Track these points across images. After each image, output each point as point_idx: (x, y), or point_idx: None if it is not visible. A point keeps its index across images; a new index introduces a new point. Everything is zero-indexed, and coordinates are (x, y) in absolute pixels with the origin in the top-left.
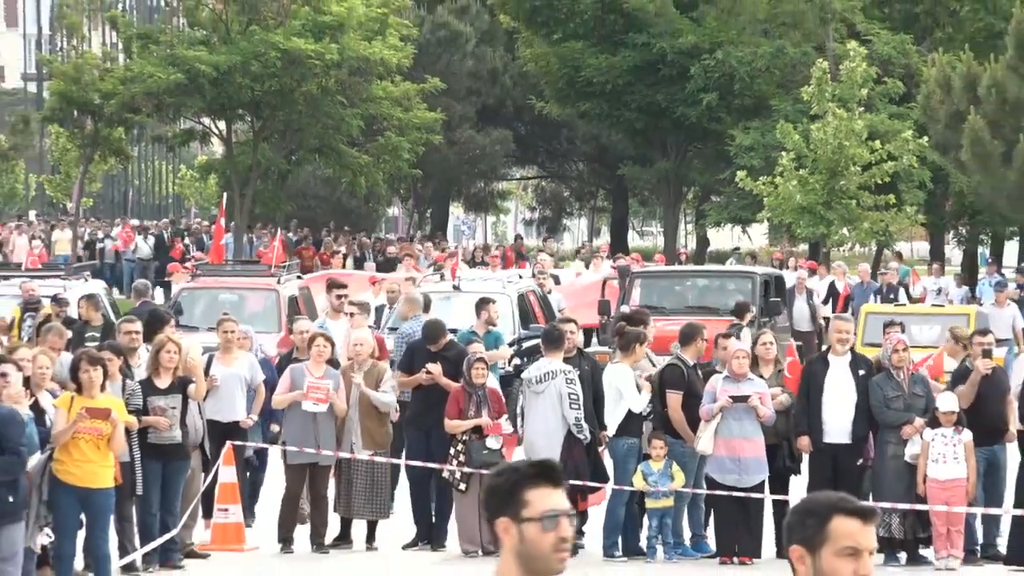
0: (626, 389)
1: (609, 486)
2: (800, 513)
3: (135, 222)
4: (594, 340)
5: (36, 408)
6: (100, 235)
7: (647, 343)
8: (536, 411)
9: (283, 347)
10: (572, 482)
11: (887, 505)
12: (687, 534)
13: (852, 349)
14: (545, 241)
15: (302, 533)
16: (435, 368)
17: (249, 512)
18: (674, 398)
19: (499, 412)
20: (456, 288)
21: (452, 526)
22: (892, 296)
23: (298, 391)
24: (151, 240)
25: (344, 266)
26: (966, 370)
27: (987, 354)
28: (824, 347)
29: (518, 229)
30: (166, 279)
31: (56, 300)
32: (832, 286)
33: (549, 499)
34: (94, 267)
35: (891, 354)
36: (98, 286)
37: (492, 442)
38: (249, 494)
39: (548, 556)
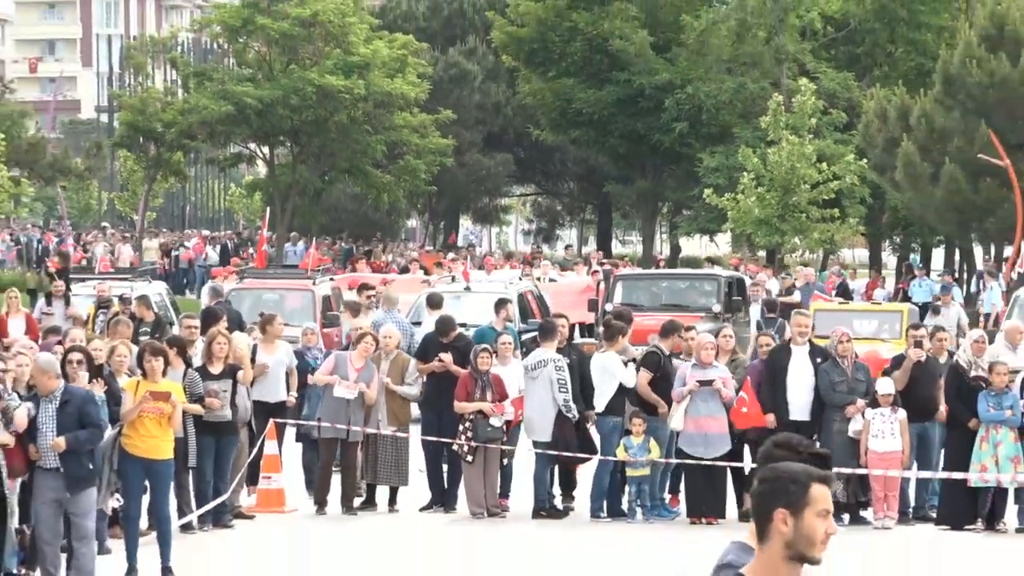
0: (617, 370)
1: (596, 457)
2: (781, 479)
3: (206, 232)
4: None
5: (110, 391)
6: (176, 245)
7: (628, 335)
8: (532, 394)
9: (311, 341)
10: (562, 453)
11: (833, 471)
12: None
13: (810, 340)
14: (538, 249)
15: (334, 497)
16: (446, 357)
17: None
18: (644, 376)
19: (501, 396)
20: (467, 289)
21: (461, 492)
22: (840, 294)
23: (335, 377)
24: (218, 248)
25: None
26: (901, 358)
27: (919, 344)
28: (787, 338)
29: (518, 239)
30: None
31: (121, 299)
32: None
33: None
34: (155, 271)
35: (836, 345)
36: (158, 288)
37: (495, 421)
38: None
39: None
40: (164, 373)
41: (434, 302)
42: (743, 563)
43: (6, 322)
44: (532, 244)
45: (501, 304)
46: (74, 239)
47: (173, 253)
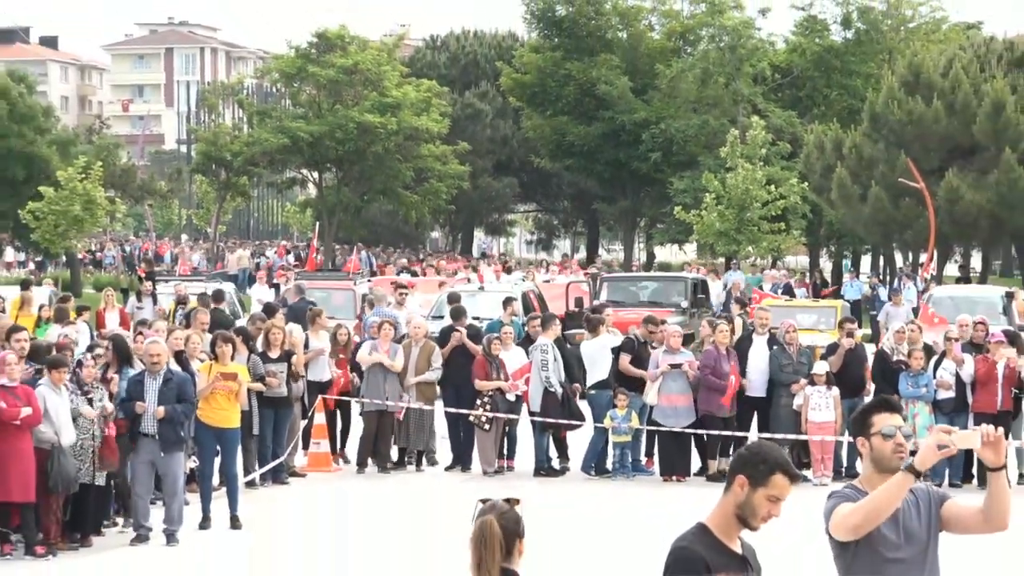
0: (598, 356)
1: (589, 425)
2: (756, 455)
3: (285, 243)
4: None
5: (188, 373)
6: (259, 253)
7: (607, 325)
8: (532, 374)
9: (357, 332)
10: (547, 419)
11: (780, 437)
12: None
13: (769, 330)
14: (506, 258)
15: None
16: (462, 331)
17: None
18: (624, 357)
19: (506, 376)
20: (481, 289)
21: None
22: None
23: (374, 356)
24: (292, 254)
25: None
26: (836, 345)
27: (850, 335)
28: (751, 329)
29: (522, 248)
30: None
31: (200, 296)
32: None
33: (888, 420)
34: (225, 275)
35: (784, 334)
36: (228, 287)
37: (510, 396)
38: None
39: (890, 457)
40: (232, 357)
41: (452, 299)
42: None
43: (104, 315)
44: (496, 253)
45: (508, 302)
46: (154, 249)
47: (257, 259)
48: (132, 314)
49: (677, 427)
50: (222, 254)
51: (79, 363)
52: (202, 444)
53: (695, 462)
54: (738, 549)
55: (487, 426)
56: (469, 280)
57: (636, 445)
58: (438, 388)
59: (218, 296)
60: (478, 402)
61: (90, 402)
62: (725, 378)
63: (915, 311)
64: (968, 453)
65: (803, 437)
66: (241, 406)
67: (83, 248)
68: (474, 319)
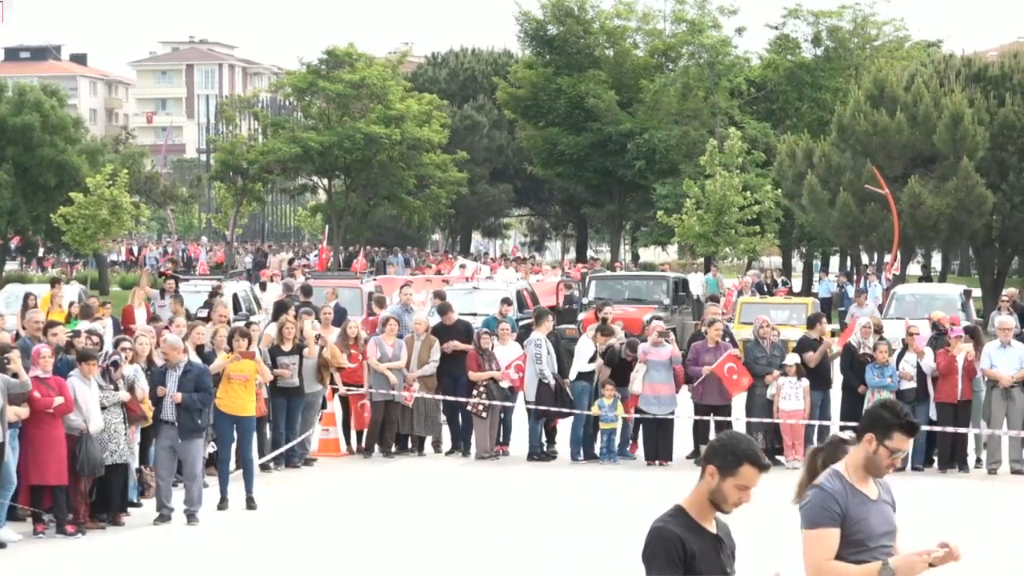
0: (584, 351)
1: (574, 413)
2: (726, 447)
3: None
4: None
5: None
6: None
7: (551, 321)
8: (527, 366)
9: (366, 327)
10: (539, 407)
11: (755, 420)
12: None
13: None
14: (533, 258)
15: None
16: (452, 343)
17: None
18: (604, 371)
19: (498, 367)
20: (475, 288)
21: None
22: (762, 291)
23: (384, 365)
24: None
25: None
26: (807, 339)
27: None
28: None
29: (517, 249)
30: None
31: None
32: (760, 284)
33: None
34: (242, 273)
35: (758, 329)
36: (244, 285)
37: (504, 384)
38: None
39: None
40: (248, 348)
41: (438, 295)
42: (832, 486)
43: (132, 312)
44: (531, 254)
45: (502, 300)
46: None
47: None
48: (156, 311)
49: (660, 414)
50: (261, 255)
51: (114, 363)
52: (220, 431)
53: (678, 447)
54: (713, 529)
55: (483, 414)
56: (467, 279)
57: (626, 430)
58: (435, 379)
59: (288, 287)
60: (474, 392)
61: (116, 388)
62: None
63: (880, 308)
64: (929, 437)
65: (777, 421)
66: (260, 394)
67: (126, 250)
68: (471, 315)
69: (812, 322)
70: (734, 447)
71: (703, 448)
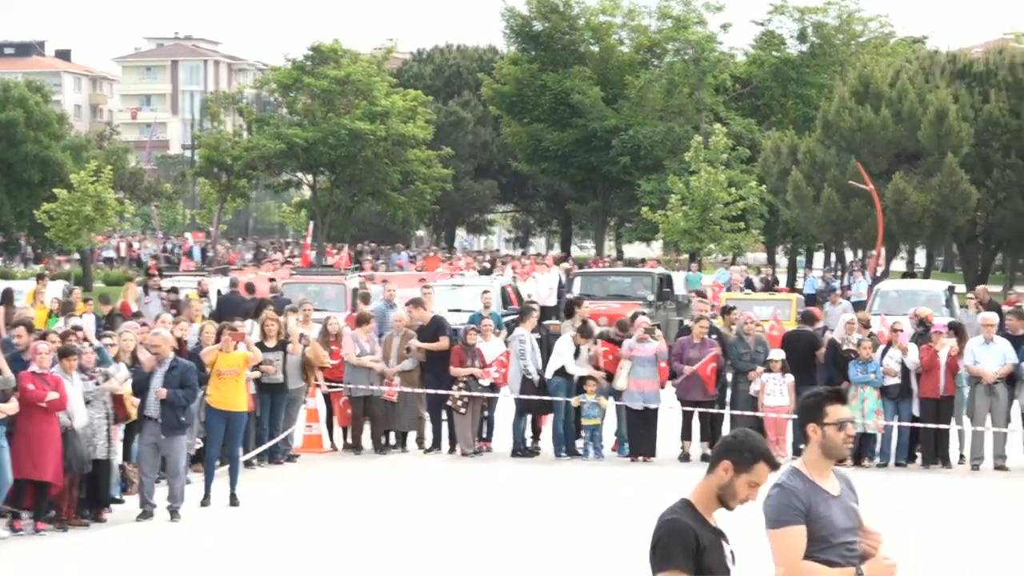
0: (562, 349)
1: (558, 399)
2: (743, 444)
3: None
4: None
5: (197, 360)
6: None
7: (534, 318)
8: (511, 362)
9: (349, 323)
10: (530, 398)
11: (738, 414)
12: (608, 443)
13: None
14: (523, 254)
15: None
16: (423, 345)
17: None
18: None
19: (482, 364)
20: (460, 284)
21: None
22: (752, 288)
23: (363, 358)
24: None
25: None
26: (790, 333)
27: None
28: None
29: (501, 245)
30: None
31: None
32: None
33: (840, 411)
34: (225, 269)
35: (743, 326)
36: (223, 282)
37: (484, 381)
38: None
39: (840, 447)
40: (236, 347)
41: (415, 301)
42: (792, 483)
43: (128, 307)
44: (517, 249)
45: (484, 295)
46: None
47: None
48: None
49: (645, 407)
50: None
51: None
52: (211, 427)
53: (662, 443)
54: (715, 524)
55: (463, 410)
56: (452, 275)
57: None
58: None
59: (233, 283)
60: (454, 387)
61: (96, 384)
62: (693, 363)
63: (861, 304)
64: (913, 433)
65: (760, 415)
66: (247, 389)
67: (125, 246)
68: (455, 311)
69: (810, 319)
70: (751, 444)
71: (702, 447)
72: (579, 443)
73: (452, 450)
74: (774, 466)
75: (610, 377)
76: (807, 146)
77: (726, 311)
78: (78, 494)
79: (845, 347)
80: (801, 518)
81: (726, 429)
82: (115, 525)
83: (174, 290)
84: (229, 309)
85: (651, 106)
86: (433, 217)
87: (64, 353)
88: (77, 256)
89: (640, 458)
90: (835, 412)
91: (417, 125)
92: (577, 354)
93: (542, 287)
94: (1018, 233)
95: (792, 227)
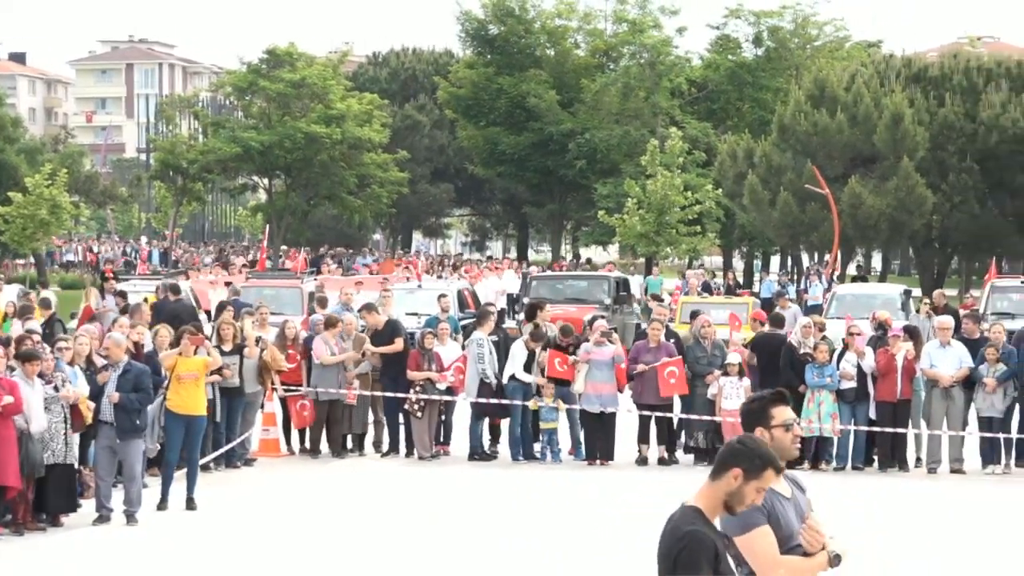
0: (516, 353)
1: (516, 402)
2: (753, 451)
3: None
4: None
5: (152, 363)
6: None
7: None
8: (468, 366)
9: (305, 327)
10: (488, 401)
11: (695, 418)
12: (565, 447)
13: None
14: (488, 258)
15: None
16: (375, 350)
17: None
18: (548, 390)
19: (440, 367)
20: (419, 287)
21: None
22: (709, 291)
23: (335, 357)
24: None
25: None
26: (756, 337)
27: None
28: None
29: (457, 249)
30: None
31: (157, 289)
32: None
33: (785, 413)
34: (186, 272)
35: (700, 329)
36: (185, 285)
37: (440, 385)
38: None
39: (789, 448)
40: (195, 351)
41: (368, 306)
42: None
43: (91, 310)
44: (472, 253)
45: (441, 298)
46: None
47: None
48: (97, 309)
49: (602, 411)
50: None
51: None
52: (170, 432)
53: (619, 446)
54: (719, 528)
55: (419, 414)
56: (409, 279)
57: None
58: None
59: (175, 289)
60: (411, 392)
61: (55, 389)
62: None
63: (816, 308)
64: (869, 436)
65: (716, 419)
66: (214, 366)
67: (84, 249)
68: (413, 315)
69: (779, 321)
70: (760, 451)
71: (660, 449)
72: (537, 447)
73: (409, 454)
74: (779, 471)
75: (561, 383)
76: (763, 150)
77: (694, 316)
78: (31, 498)
79: (802, 351)
80: (764, 518)
81: (683, 434)
82: (71, 530)
83: (122, 294)
84: (166, 315)
85: (607, 110)
86: (389, 221)
87: (26, 357)
88: (32, 260)
89: (598, 462)
90: (780, 414)
91: (373, 128)
92: (532, 359)
93: (489, 290)
94: (974, 237)
95: (748, 231)
